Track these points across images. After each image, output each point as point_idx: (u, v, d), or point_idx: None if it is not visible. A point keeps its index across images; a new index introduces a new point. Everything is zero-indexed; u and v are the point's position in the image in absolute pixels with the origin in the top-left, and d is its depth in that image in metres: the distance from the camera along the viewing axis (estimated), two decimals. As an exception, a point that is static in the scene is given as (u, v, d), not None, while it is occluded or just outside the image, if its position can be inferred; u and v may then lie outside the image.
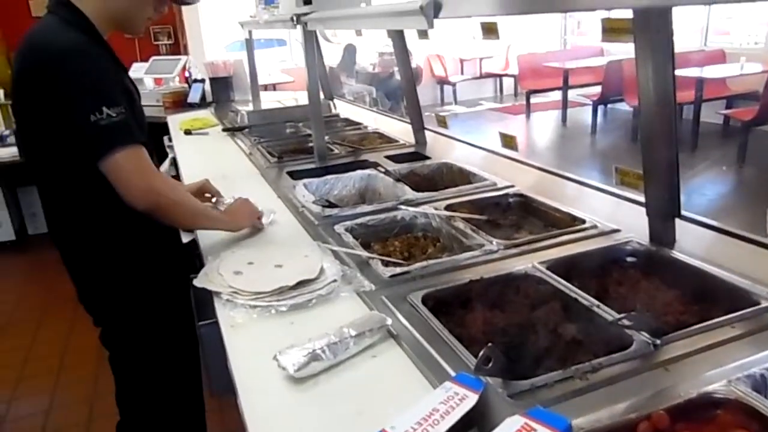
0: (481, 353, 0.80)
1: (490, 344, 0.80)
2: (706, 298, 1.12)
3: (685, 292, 1.16)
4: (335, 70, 7.97)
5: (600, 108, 7.19)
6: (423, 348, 0.96)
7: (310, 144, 2.60)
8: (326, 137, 2.44)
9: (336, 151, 2.38)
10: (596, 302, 1.05)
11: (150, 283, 1.55)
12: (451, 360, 0.92)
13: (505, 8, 1.10)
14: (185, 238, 1.89)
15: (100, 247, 1.48)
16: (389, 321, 1.03)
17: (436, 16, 1.12)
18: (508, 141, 1.83)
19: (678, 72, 5.56)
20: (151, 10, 1.46)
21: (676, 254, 1.24)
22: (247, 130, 2.96)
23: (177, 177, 2.38)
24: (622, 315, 0.93)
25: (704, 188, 4.73)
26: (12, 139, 4.32)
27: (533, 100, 8.23)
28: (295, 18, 2.06)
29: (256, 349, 1.03)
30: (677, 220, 1.31)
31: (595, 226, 1.41)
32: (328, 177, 1.98)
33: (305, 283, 1.22)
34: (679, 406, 0.79)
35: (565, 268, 1.24)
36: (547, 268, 1.21)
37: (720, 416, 0.78)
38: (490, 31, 1.25)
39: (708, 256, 1.21)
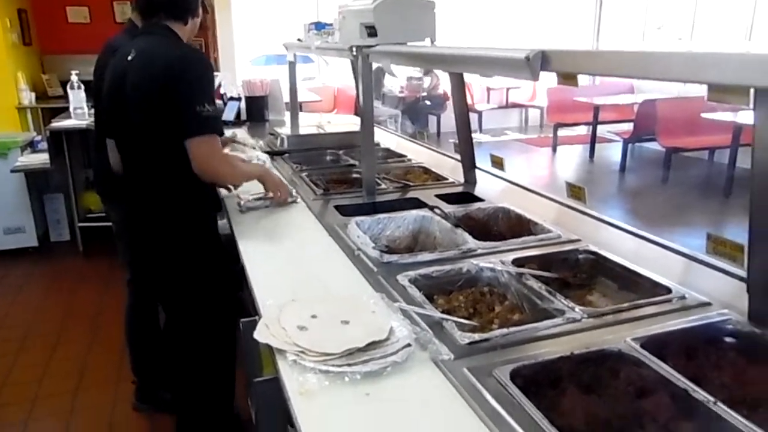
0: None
1: None
2: (826, 396, 1.01)
3: (799, 386, 1.05)
4: (363, 92, 7.93)
5: (629, 146, 7.08)
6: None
7: (354, 175, 2.53)
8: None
9: (383, 185, 2.30)
10: (711, 398, 0.94)
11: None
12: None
13: (614, 71, 1.02)
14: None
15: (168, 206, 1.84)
16: None
17: (543, 69, 1.03)
18: (576, 192, 1.74)
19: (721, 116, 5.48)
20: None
21: (783, 339, 1.13)
22: (286, 155, 2.89)
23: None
24: None
25: None
26: (43, 146, 4.29)
27: (559, 133, 8.14)
28: (354, 49, 1.99)
29: (331, 425, 0.94)
30: None
31: (683, 297, 1.31)
32: (381, 216, 1.89)
33: (375, 344, 1.12)
34: None
35: (658, 346, 1.13)
36: (642, 346, 1.11)
37: None
38: (568, 78, 1.17)
39: (818, 343, 1.11)
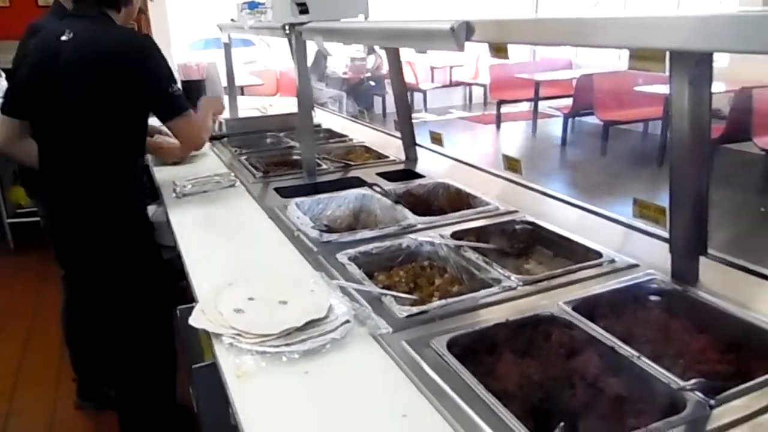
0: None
1: (562, 424, 0.72)
2: (741, 346, 1.07)
3: (717, 337, 1.11)
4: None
5: (569, 120, 7.26)
6: (462, 412, 0.87)
7: (295, 157, 2.50)
8: (313, 151, 2.35)
9: (324, 166, 2.28)
10: (636, 353, 0.98)
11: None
12: (496, 427, 0.83)
13: (535, 39, 1.03)
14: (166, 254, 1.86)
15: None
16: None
17: (467, 39, 1.04)
18: (513, 164, 1.77)
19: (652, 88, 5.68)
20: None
21: (702, 295, 1.20)
22: (225, 139, 2.82)
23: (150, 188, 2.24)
24: (692, 383, 0.86)
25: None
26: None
27: (502, 110, 8.27)
28: (287, 27, 1.95)
29: (270, 406, 0.93)
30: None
31: (612, 260, 1.36)
32: (321, 196, 1.87)
33: (314, 323, 1.11)
34: (752, 484, 0.72)
35: (589, 308, 1.18)
36: (573, 309, 1.15)
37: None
38: (499, 50, 1.18)
39: (734, 296, 1.17)
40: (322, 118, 3.40)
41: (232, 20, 2.84)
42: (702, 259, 1.29)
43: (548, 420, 0.93)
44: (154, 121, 1.85)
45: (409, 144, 2.35)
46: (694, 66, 1.10)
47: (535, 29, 0.96)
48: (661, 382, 0.91)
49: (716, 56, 1.12)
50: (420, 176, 2.14)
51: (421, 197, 1.97)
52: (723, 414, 0.85)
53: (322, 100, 7.74)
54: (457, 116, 9.13)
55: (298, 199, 1.83)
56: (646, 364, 0.95)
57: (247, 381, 0.98)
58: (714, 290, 1.21)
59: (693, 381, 0.85)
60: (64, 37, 1.68)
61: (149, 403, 1.96)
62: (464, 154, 2.41)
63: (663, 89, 5.68)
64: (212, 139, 2.81)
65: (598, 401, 0.93)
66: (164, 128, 2.50)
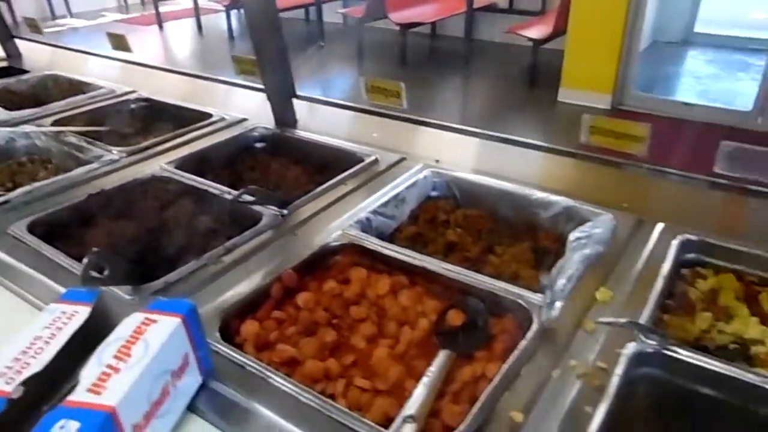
0: (85, 261, 0.70)
1: (94, 249, 0.71)
2: (327, 167, 1.22)
3: (309, 165, 1.24)
4: None
5: (234, 13, 7.08)
6: (26, 275, 0.81)
7: None
8: None
9: None
10: (227, 189, 1.04)
11: None
12: (63, 279, 0.80)
13: None
14: None
15: None
16: None
17: None
18: (119, 42, 1.63)
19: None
20: None
21: (299, 133, 1.32)
22: None
23: None
24: (240, 191, 0.94)
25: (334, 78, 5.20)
26: None
27: (162, 9, 7.61)
28: None
29: None
30: (295, 101, 1.38)
31: (223, 119, 1.39)
32: None
33: None
34: (305, 262, 0.85)
35: (196, 164, 1.20)
36: (176, 168, 1.15)
37: (338, 260, 0.88)
38: None
39: (324, 129, 1.32)
40: None
41: None
42: (302, 104, 1.41)
43: (152, 269, 0.95)
44: None
45: (5, 38, 1.99)
46: None
47: None
48: (243, 207, 0.98)
49: None
50: (25, 71, 1.84)
51: (26, 93, 1.71)
52: (292, 218, 0.97)
53: None
54: (112, 20, 8.10)
55: None
56: (241, 200, 1.02)
57: None
58: (309, 127, 1.34)
59: (240, 191, 0.95)
60: None
61: None
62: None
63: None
64: None
65: (194, 240, 0.96)
66: None
